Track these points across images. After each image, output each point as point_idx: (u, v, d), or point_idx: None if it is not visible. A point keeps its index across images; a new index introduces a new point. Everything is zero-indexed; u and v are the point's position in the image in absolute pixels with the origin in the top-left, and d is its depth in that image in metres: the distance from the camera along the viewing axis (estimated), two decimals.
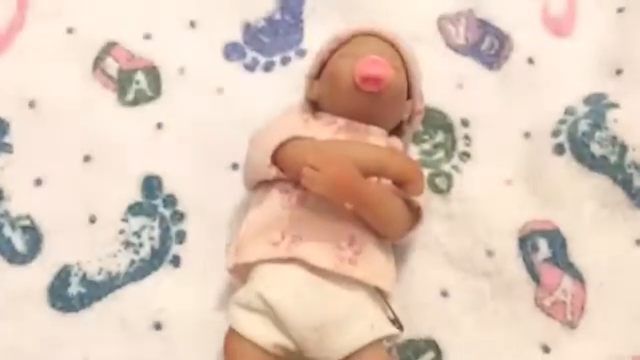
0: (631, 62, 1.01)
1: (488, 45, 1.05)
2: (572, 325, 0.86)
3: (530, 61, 1.04)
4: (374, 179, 0.78)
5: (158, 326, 0.86)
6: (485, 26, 1.06)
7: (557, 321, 0.86)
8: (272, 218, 0.79)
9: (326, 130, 0.85)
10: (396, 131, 0.92)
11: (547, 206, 0.92)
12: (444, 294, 0.88)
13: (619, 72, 1.01)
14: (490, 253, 0.89)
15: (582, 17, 1.08)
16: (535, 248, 0.89)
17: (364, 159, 0.76)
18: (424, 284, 0.88)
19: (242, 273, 0.81)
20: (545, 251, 0.89)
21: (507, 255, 0.89)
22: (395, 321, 0.80)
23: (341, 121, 0.85)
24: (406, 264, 0.90)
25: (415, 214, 0.81)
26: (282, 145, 0.79)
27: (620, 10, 1.07)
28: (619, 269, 0.89)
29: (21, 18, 1.05)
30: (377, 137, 0.85)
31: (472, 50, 1.05)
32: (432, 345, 0.85)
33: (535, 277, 0.88)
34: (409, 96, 0.91)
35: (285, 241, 0.77)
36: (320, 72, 0.91)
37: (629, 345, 0.85)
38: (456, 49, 1.05)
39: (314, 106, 0.91)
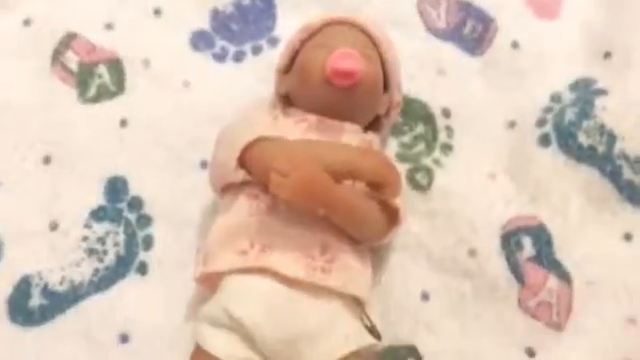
0: (620, 44, 0.96)
1: (470, 29, 1.00)
2: (558, 327, 0.82)
3: (514, 45, 0.98)
4: (348, 182, 0.73)
5: (125, 338, 0.81)
6: (467, 8, 1.01)
7: (542, 323, 0.82)
8: (240, 225, 0.74)
9: (296, 128, 0.79)
10: (373, 125, 0.87)
11: (532, 201, 0.88)
12: (425, 297, 0.84)
13: (607, 55, 0.96)
14: (472, 252, 0.85)
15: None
16: (519, 246, 0.85)
17: (335, 161, 0.71)
18: (404, 287, 0.84)
19: (211, 282, 0.76)
20: (530, 249, 0.85)
21: (490, 254, 0.84)
22: (373, 330, 0.76)
23: (312, 118, 0.80)
24: (385, 266, 0.85)
25: (393, 216, 0.77)
26: (249, 146, 0.73)
27: None
28: (608, 266, 0.85)
29: None
30: (351, 134, 0.80)
31: (453, 34, 1.00)
32: (413, 351, 0.81)
33: (519, 277, 0.84)
34: (386, 88, 0.85)
35: (254, 250, 0.73)
36: (291, 64, 0.86)
37: (619, 346, 0.81)
38: (437, 33, 1.00)
39: (285, 101, 0.86)
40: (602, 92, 0.92)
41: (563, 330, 0.82)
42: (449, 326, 0.82)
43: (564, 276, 0.84)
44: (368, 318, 0.76)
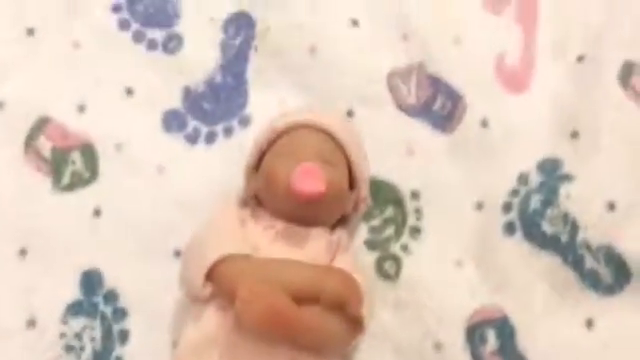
0: (588, 124, 0.96)
1: (440, 105, 1.00)
2: None
3: (484, 123, 0.99)
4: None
5: None
6: (437, 83, 1.01)
7: None
8: (208, 339, 0.77)
9: (264, 236, 0.82)
10: (341, 219, 0.89)
11: (497, 292, 0.90)
12: None
13: (575, 135, 0.97)
14: (438, 346, 0.88)
15: (539, 67, 1.02)
16: (483, 340, 0.88)
17: (299, 284, 0.74)
18: None
19: None
20: (493, 342, 0.88)
21: (455, 349, 0.87)
22: None
23: (280, 225, 0.82)
24: (355, 355, 0.88)
25: (357, 324, 0.79)
26: (216, 264, 0.76)
27: (580, 59, 1.02)
28: (569, 354, 0.88)
29: None
30: (317, 240, 0.82)
31: (423, 111, 1.00)
32: None
33: None
34: (352, 186, 0.87)
35: None
36: (259, 163, 0.87)
37: None
38: (407, 110, 1.00)
39: (255, 199, 0.88)
40: (567, 178, 0.93)
41: None
42: None
43: None
44: None
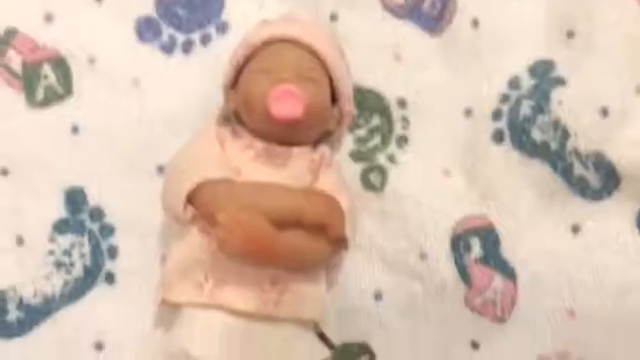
0: (584, 23, 0.91)
1: (429, 5, 0.94)
2: (502, 320, 0.88)
3: (475, 23, 0.93)
4: None
5: (99, 346, 0.88)
6: None
7: (487, 318, 0.88)
8: (194, 259, 0.78)
9: (244, 156, 0.80)
10: (325, 134, 0.87)
11: (483, 200, 0.90)
12: (378, 297, 0.89)
13: (570, 35, 0.92)
14: (423, 256, 0.88)
15: None
16: (468, 248, 0.89)
17: (279, 209, 0.73)
18: (358, 287, 0.89)
19: (171, 306, 0.81)
20: (477, 250, 0.89)
21: (439, 258, 0.88)
22: (327, 342, 0.82)
23: (259, 145, 0.80)
24: (340, 264, 0.89)
25: (342, 242, 0.79)
26: (196, 189, 0.75)
27: None
28: (553, 260, 0.89)
29: None
30: (299, 159, 0.81)
31: (412, 11, 0.94)
32: (365, 349, 0.88)
33: (466, 279, 0.88)
34: (335, 101, 0.84)
35: (209, 284, 0.76)
36: (236, 79, 0.83)
37: (558, 337, 0.88)
38: (394, 11, 0.94)
39: (236, 116, 0.85)
40: (560, 81, 0.90)
41: (506, 322, 0.88)
42: (400, 324, 0.88)
43: (509, 273, 0.89)
44: (322, 333, 0.82)
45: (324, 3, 0.94)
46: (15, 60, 0.92)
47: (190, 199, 0.76)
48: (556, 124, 0.89)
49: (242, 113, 0.82)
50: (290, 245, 0.74)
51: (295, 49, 0.80)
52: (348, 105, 0.85)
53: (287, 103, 0.74)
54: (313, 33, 0.82)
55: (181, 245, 0.80)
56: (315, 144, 0.85)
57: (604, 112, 0.88)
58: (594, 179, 0.89)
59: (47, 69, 0.93)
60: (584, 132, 0.88)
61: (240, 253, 0.71)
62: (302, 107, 0.75)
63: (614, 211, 0.89)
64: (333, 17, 0.94)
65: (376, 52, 0.93)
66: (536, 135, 0.89)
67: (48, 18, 0.93)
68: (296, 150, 0.80)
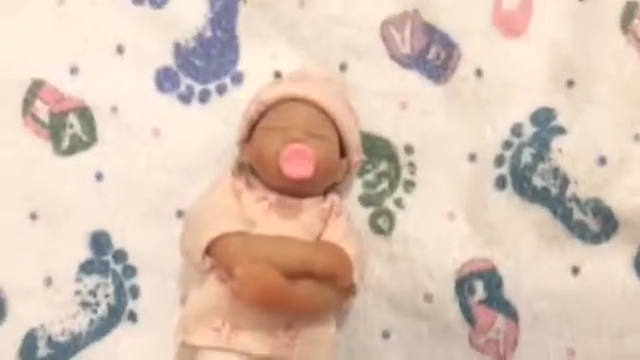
0: (584, 72, 0.95)
1: (434, 55, 0.99)
2: (504, 359, 0.92)
3: (478, 73, 0.97)
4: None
5: None
6: (432, 32, 0.98)
7: (490, 357, 0.92)
8: (212, 305, 0.83)
9: (257, 207, 0.85)
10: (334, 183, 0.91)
11: (487, 245, 0.94)
12: (385, 336, 0.94)
13: (570, 84, 0.96)
14: (429, 297, 0.93)
15: (538, 9, 0.99)
16: (472, 290, 0.93)
17: (291, 261, 0.78)
18: (367, 326, 0.94)
19: (190, 348, 0.86)
20: (481, 293, 0.93)
21: (445, 300, 0.92)
22: None
23: (272, 197, 0.85)
24: (349, 307, 0.94)
25: (350, 289, 0.84)
26: (213, 241, 0.80)
27: None
28: (554, 301, 0.93)
29: None
30: (309, 210, 0.86)
31: (417, 61, 0.98)
32: None
33: (470, 319, 0.92)
34: (343, 153, 0.88)
35: (225, 329, 0.82)
36: (250, 133, 0.89)
37: None
38: (401, 60, 0.99)
39: (250, 168, 0.90)
40: (560, 130, 0.94)
41: None
42: None
43: (511, 314, 0.93)
44: None
45: (334, 53, 0.98)
46: (42, 110, 0.98)
47: (208, 250, 0.81)
48: (556, 171, 0.93)
49: (256, 167, 0.87)
50: (301, 295, 0.79)
51: (305, 108, 0.85)
52: (356, 156, 0.90)
53: (298, 163, 0.79)
54: (323, 91, 0.87)
55: (200, 291, 0.85)
56: (325, 193, 0.89)
57: (602, 160, 0.92)
58: (593, 223, 0.93)
59: (72, 118, 0.98)
60: (583, 179, 0.92)
61: (255, 303, 0.76)
62: (312, 166, 0.80)
63: (612, 254, 0.93)
64: (342, 67, 0.98)
65: (384, 100, 0.98)
66: (537, 181, 0.93)
67: (73, 70, 0.99)
68: (307, 201, 0.85)
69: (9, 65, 0.98)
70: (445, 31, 0.98)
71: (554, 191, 0.93)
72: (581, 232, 0.93)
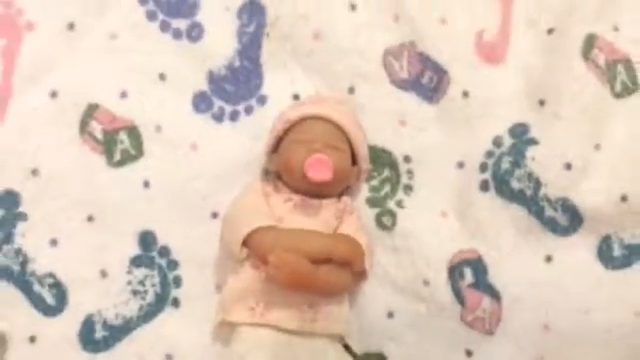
0: (553, 94, 1.14)
1: (428, 80, 1.17)
2: (490, 332, 1.10)
3: (465, 94, 1.16)
4: None
5: (169, 357, 1.10)
6: (425, 61, 1.17)
7: (477, 332, 1.10)
8: (247, 288, 1.00)
9: (284, 206, 1.03)
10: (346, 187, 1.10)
11: (473, 237, 1.12)
12: (390, 315, 1.11)
13: (542, 103, 1.14)
14: (426, 282, 1.11)
15: (514, 41, 1.18)
16: (462, 276, 1.11)
17: (315, 249, 0.97)
18: (374, 307, 1.11)
19: (227, 326, 1.03)
20: (469, 278, 1.11)
21: (439, 284, 1.10)
22: (351, 351, 1.05)
23: (296, 198, 1.03)
24: (360, 291, 1.11)
25: (362, 274, 1.02)
26: (249, 235, 0.98)
27: (550, 31, 1.17)
28: (531, 285, 1.11)
29: (8, 85, 1.15)
30: (327, 208, 1.04)
31: (414, 85, 1.17)
32: (381, 357, 1.10)
33: (461, 300, 1.10)
34: (355, 162, 1.07)
35: (259, 307, 0.99)
36: (277, 145, 1.06)
37: (536, 347, 1.09)
38: (399, 84, 1.17)
39: (277, 174, 1.08)
40: (533, 142, 1.12)
41: (493, 335, 1.10)
42: (409, 337, 1.10)
43: (495, 296, 1.11)
44: (347, 345, 1.04)
45: (343, 79, 1.17)
46: (97, 129, 1.15)
47: (244, 242, 0.99)
48: (530, 176, 1.11)
49: (282, 174, 1.05)
50: (324, 277, 0.97)
51: (324, 124, 1.03)
52: (365, 164, 1.09)
53: (319, 169, 0.98)
54: (337, 111, 1.05)
55: (236, 277, 1.02)
56: (339, 195, 1.07)
57: (568, 166, 1.11)
58: (562, 219, 1.11)
59: (123, 136, 1.15)
60: (552, 182, 1.11)
61: (286, 284, 0.94)
62: (331, 172, 0.98)
63: (579, 245, 1.11)
64: (350, 90, 1.17)
65: (386, 117, 1.16)
66: (515, 184, 1.12)
67: (123, 95, 1.16)
68: (325, 202, 1.04)
69: (69, 91, 1.15)
70: (436, 59, 1.17)
71: (529, 192, 1.11)
72: (552, 226, 1.12)
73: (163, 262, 1.13)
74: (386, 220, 1.14)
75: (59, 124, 1.15)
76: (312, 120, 1.03)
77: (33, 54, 1.14)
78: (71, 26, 1.17)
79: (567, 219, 1.11)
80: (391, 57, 1.18)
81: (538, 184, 1.11)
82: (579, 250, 1.11)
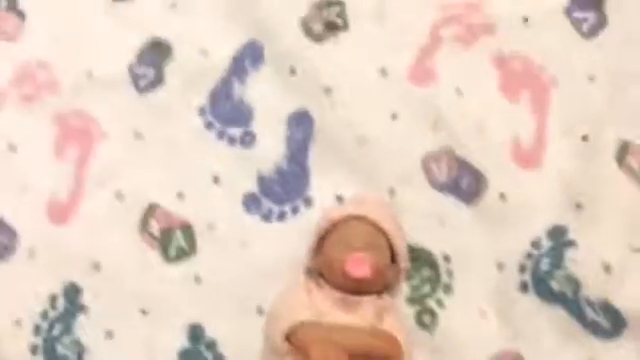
0: (589, 195, 1.17)
1: (466, 183, 1.23)
2: None
3: (502, 197, 1.21)
4: None
5: None
6: (463, 165, 1.23)
7: None
8: None
9: (325, 302, 1.07)
10: (387, 285, 1.13)
11: (514, 339, 1.13)
12: None
13: (579, 206, 1.17)
14: None
15: (550, 147, 1.23)
16: None
17: (355, 345, 0.99)
18: None
19: None
20: None
21: None
22: None
23: (337, 295, 1.07)
24: None
25: None
26: (291, 328, 1.02)
27: (584, 138, 1.22)
28: None
29: (81, 190, 1.28)
30: (367, 306, 1.07)
31: (453, 188, 1.23)
32: None
33: None
34: (394, 260, 1.11)
35: None
36: (320, 245, 1.12)
37: None
38: (439, 187, 1.23)
39: (319, 271, 1.13)
40: (572, 244, 1.15)
41: None
42: None
43: None
44: None
45: (384, 182, 1.23)
46: (155, 227, 1.25)
47: (286, 336, 1.03)
48: (569, 278, 1.13)
49: (324, 271, 1.10)
50: None
51: (364, 225, 1.09)
52: (404, 263, 1.13)
53: (359, 267, 1.02)
54: (377, 211, 1.11)
55: None
56: (379, 293, 1.11)
57: (607, 269, 1.12)
58: (604, 322, 1.11)
59: (178, 234, 1.24)
60: (593, 285, 1.12)
61: None
62: (370, 270, 1.03)
63: (624, 349, 1.10)
64: (391, 192, 1.23)
65: (426, 219, 1.21)
66: (554, 286, 1.13)
67: (180, 195, 1.26)
68: (365, 299, 1.07)
69: (131, 193, 1.27)
70: (474, 164, 1.23)
71: (569, 294, 1.12)
72: (594, 330, 1.11)
73: (209, 356, 1.18)
74: (426, 319, 1.16)
75: (121, 222, 1.25)
76: (353, 220, 1.09)
77: (103, 161, 1.27)
78: (138, 135, 1.29)
79: (610, 322, 1.11)
80: (431, 161, 1.24)
81: (578, 286, 1.12)
82: (624, 354, 1.10)
